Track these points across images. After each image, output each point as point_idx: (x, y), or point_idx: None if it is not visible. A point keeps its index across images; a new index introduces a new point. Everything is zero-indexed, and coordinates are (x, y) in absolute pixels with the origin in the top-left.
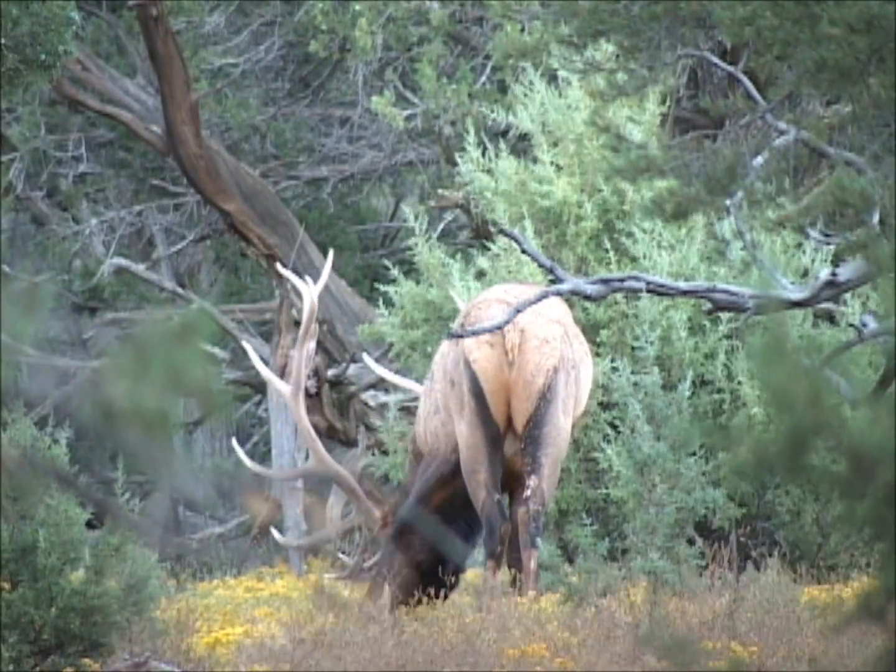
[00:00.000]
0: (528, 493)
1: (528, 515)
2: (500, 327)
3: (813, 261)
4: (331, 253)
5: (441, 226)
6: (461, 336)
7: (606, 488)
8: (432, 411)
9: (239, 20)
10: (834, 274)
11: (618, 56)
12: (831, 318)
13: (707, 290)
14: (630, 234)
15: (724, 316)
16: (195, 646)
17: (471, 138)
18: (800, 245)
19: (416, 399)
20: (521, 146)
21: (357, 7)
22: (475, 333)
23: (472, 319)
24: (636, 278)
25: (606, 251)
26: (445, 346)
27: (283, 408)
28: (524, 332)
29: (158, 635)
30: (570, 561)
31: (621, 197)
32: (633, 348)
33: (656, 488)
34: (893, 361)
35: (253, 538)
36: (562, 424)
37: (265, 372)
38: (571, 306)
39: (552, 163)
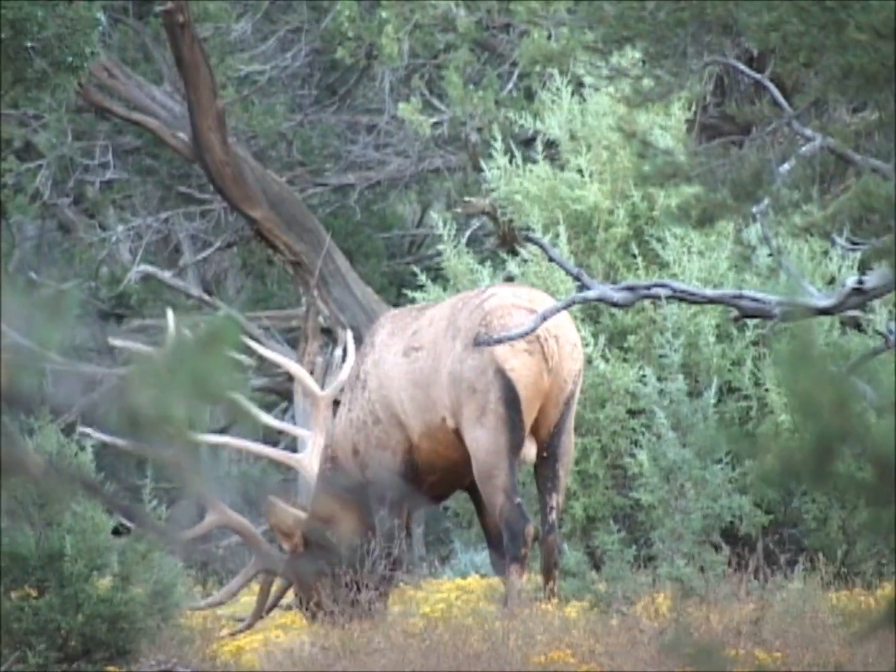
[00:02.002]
0: (553, 516)
1: (557, 542)
2: (527, 334)
3: (839, 268)
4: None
5: (468, 233)
6: (487, 344)
7: (634, 493)
8: (369, 422)
9: (266, 27)
10: (861, 281)
11: (644, 62)
12: (858, 326)
13: (733, 297)
14: (660, 240)
15: (751, 323)
16: (220, 652)
17: (498, 144)
18: (826, 252)
19: None
20: (548, 153)
21: (384, 14)
22: (500, 341)
23: (497, 327)
24: (663, 285)
25: (635, 257)
26: (379, 354)
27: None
28: (558, 339)
29: (184, 642)
30: (597, 568)
31: (651, 203)
32: (659, 355)
33: (683, 495)
34: None
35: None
36: (572, 432)
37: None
38: (599, 312)
39: (582, 170)
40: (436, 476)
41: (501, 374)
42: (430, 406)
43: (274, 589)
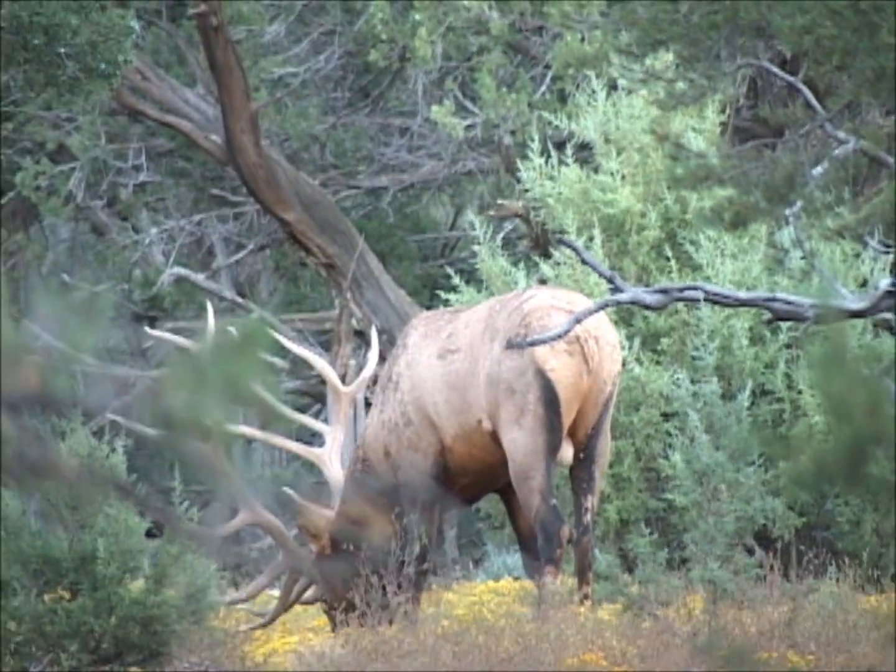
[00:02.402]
0: (587, 517)
1: (591, 543)
2: (560, 336)
3: (872, 270)
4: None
5: (501, 235)
6: (520, 346)
7: (668, 496)
8: (401, 423)
9: (299, 30)
10: (894, 284)
11: (677, 65)
12: (890, 328)
13: (766, 299)
14: (693, 243)
15: (784, 325)
16: (252, 654)
17: (534, 146)
18: (859, 254)
19: None
20: (582, 155)
21: (417, 16)
22: (534, 343)
23: (536, 328)
24: (695, 288)
25: (668, 259)
26: (412, 356)
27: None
28: (598, 340)
29: (217, 644)
30: (630, 570)
31: (684, 206)
32: (693, 358)
33: (716, 498)
34: None
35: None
36: (609, 433)
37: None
38: (632, 315)
39: (614, 172)
40: (468, 478)
41: (541, 374)
42: (465, 408)
43: (296, 588)
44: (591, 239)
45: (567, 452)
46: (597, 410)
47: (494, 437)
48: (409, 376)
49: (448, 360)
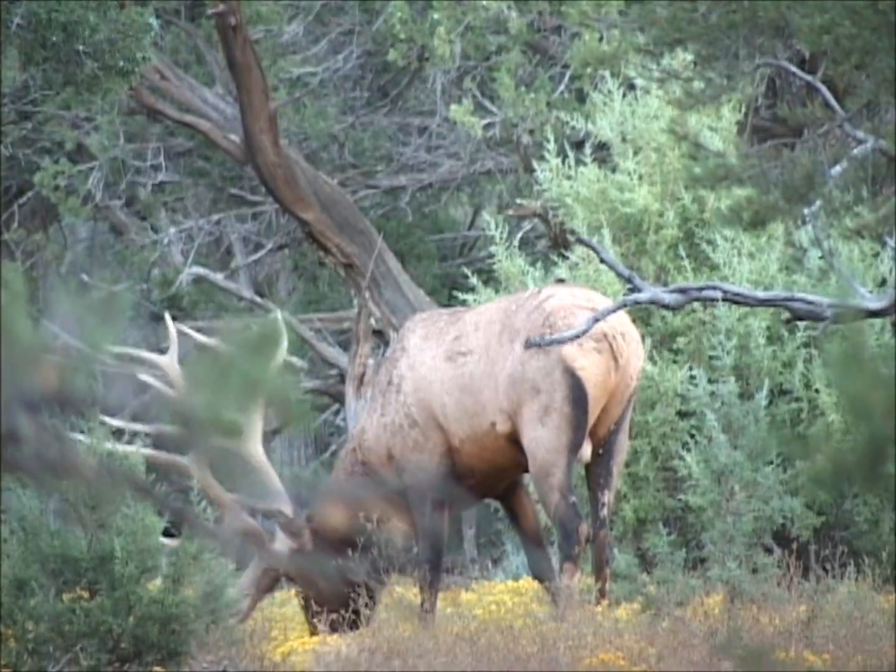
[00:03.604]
0: (604, 512)
1: (608, 538)
2: (581, 335)
3: (891, 270)
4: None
5: (519, 235)
6: (538, 345)
7: (684, 497)
8: (405, 425)
9: (317, 29)
10: None
11: (695, 64)
12: None
13: (785, 299)
14: (710, 242)
15: (802, 325)
16: (271, 654)
17: (551, 146)
18: (877, 254)
19: None
20: (600, 155)
21: (436, 16)
22: (553, 343)
23: (561, 327)
24: (714, 287)
25: (685, 259)
26: (414, 358)
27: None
28: (624, 336)
29: (235, 644)
30: (648, 570)
31: (701, 205)
32: (710, 357)
33: (734, 497)
34: None
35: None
36: (628, 430)
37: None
38: (650, 314)
39: (632, 171)
40: (473, 480)
41: (570, 373)
42: (479, 411)
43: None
44: (601, 239)
45: (586, 450)
46: (621, 407)
47: (509, 438)
48: (412, 378)
49: (459, 363)
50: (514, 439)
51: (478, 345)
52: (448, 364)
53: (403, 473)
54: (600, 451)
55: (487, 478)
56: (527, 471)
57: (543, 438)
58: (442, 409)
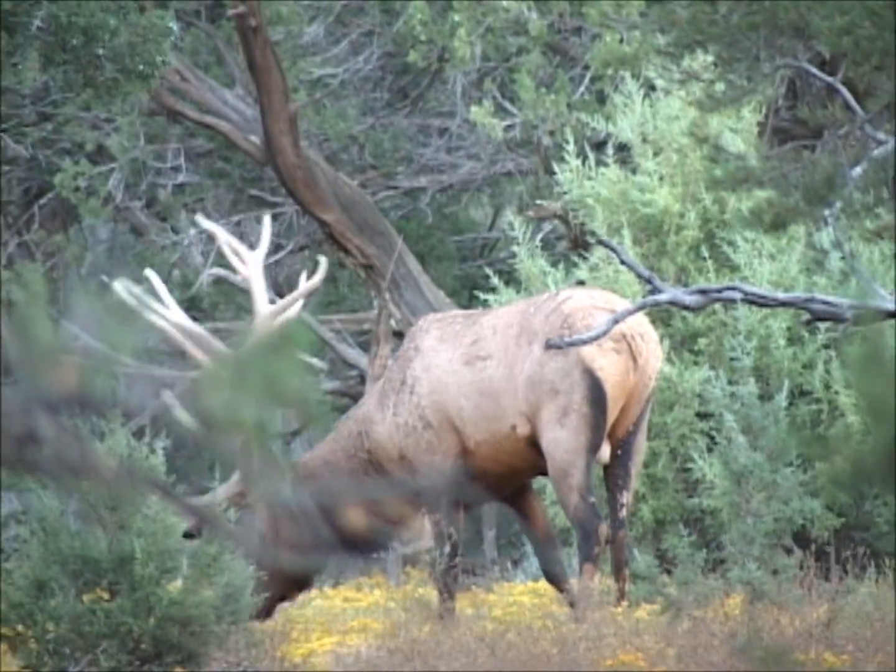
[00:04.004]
0: (622, 512)
1: (627, 538)
2: (598, 337)
3: None
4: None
5: (540, 236)
6: (558, 346)
7: (703, 499)
8: (419, 427)
9: (338, 30)
10: None
11: (716, 66)
12: None
13: (805, 300)
14: (731, 243)
15: (822, 326)
16: (291, 655)
17: (571, 147)
18: None
19: None
20: (621, 156)
21: (456, 17)
22: (573, 344)
23: (581, 329)
24: (734, 289)
25: (705, 260)
26: (429, 359)
27: None
28: (643, 336)
29: (255, 645)
30: (667, 571)
31: (722, 206)
32: (730, 358)
33: (753, 499)
34: None
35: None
36: (646, 430)
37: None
38: (670, 315)
39: (652, 172)
40: (486, 482)
41: (589, 374)
42: (498, 415)
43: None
44: (621, 240)
45: (605, 451)
46: (639, 407)
47: (528, 441)
48: (428, 380)
49: (478, 367)
50: (533, 442)
51: (496, 349)
52: (466, 368)
53: (416, 475)
54: (618, 452)
55: (501, 480)
56: (542, 473)
57: (562, 439)
58: (459, 413)
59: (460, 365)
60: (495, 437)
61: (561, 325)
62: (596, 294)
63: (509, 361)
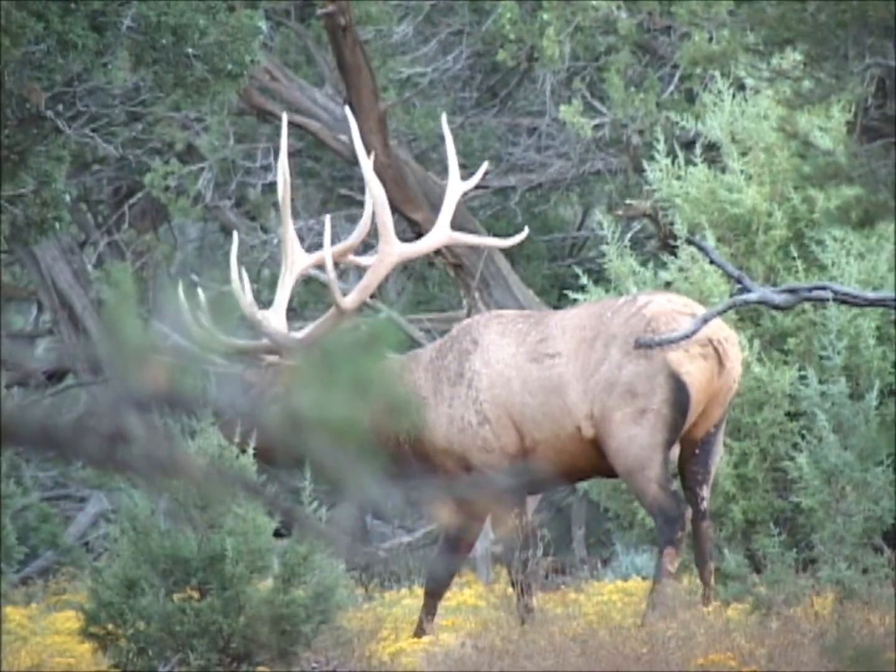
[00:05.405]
0: (703, 504)
1: (710, 528)
2: (687, 337)
3: None
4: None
5: (629, 235)
6: (649, 346)
7: (794, 498)
8: (475, 422)
9: (427, 30)
10: None
11: (804, 64)
12: None
13: (895, 299)
14: (819, 243)
15: None
16: (380, 654)
17: (660, 146)
18: None
19: None
20: (710, 155)
21: (545, 16)
22: (661, 344)
23: (664, 332)
24: (824, 287)
25: (794, 259)
26: (491, 354)
27: None
28: (728, 340)
29: (344, 644)
30: (758, 570)
31: (811, 205)
32: (820, 357)
33: (844, 498)
34: None
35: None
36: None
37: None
38: (759, 315)
39: (741, 172)
40: (537, 482)
41: (675, 378)
42: (564, 414)
43: None
44: (705, 240)
45: (674, 451)
46: (721, 409)
47: (593, 442)
48: (488, 374)
49: (546, 364)
50: (596, 444)
51: (566, 348)
52: (533, 364)
53: (471, 470)
54: (697, 451)
55: (555, 479)
56: (598, 475)
57: (637, 436)
58: (521, 409)
59: (526, 361)
60: (558, 436)
61: (644, 328)
62: (674, 298)
63: (581, 362)
